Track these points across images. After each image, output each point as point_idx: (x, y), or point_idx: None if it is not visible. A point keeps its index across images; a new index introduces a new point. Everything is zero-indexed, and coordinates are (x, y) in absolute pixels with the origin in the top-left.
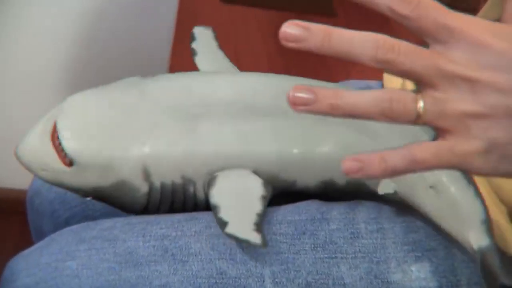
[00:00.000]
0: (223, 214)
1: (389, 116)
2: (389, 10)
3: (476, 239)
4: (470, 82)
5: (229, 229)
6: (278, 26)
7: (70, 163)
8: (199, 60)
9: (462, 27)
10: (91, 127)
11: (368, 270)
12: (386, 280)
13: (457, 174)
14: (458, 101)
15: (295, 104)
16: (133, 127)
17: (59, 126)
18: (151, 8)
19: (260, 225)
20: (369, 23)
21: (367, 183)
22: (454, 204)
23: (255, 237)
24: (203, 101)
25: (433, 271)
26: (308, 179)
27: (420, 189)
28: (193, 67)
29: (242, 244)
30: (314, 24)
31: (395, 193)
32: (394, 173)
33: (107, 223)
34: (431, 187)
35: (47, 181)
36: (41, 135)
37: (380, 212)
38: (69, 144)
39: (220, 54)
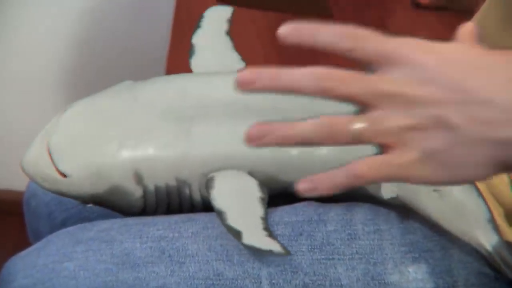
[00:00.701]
0: (232, 222)
1: (332, 139)
2: (336, 48)
3: (487, 238)
4: (403, 98)
5: (246, 240)
6: (274, 27)
7: (64, 175)
8: (194, 61)
9: (397, 50)
10: (79, 140)
11: (365, 271)
12: (383, 281)
13: None
14: (394, 117)
15: (250, 140)
16: (122, 133)
17: (49, 145)
18: (149, 9)
19: (269, 229)
20: (364, 23)
21: (364, 186)
22: (458, 205)
23: (276, 246)
24: (199, 102)
25: (430, 272)
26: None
27: (423, 193)
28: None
29: (263, 254)
30: (263, 69)
31: (397, 198)
32: (341, 189)
33: (104, 224)
34: (434, 190)
35: (49, 191)
36: (40, 148)
37: (377, 213)
38: (58, 162)
39: (223, 44)
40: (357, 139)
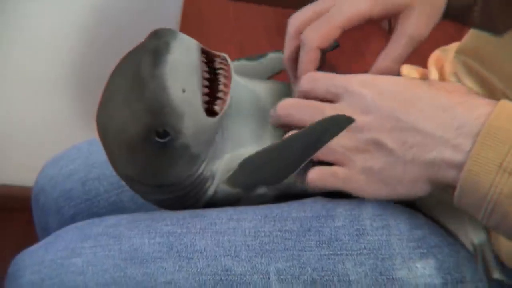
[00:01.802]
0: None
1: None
2: (299, 92)
3: (475, 234)
4: None
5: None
6: (283, 23)
7: (214, 112)
8: None
9: (343, 84)
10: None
11: (373, 267)
12: (391, 276)
13: None
14: (340, 139)
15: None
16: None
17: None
18: (156, 5)
19: None
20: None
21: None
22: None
23: None
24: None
25: (438, 267)
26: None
27: None
28: None
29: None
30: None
31: None
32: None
33: (112, 219)
34: None
35: (179, 106)
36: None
37: (385, 209)
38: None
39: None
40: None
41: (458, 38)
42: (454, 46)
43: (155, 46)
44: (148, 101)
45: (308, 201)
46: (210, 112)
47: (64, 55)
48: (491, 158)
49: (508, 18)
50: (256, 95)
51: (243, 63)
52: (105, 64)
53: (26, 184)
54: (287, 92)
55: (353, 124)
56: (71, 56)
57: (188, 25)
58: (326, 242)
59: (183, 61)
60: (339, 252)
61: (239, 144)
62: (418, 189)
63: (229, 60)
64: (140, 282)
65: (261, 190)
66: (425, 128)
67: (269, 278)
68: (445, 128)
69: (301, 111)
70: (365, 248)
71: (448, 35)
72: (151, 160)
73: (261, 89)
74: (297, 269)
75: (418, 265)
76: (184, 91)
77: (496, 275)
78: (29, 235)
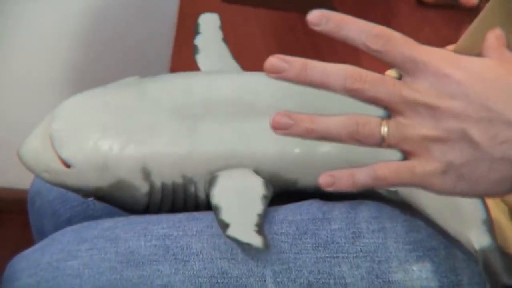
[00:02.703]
0: (225, 216)
1: (357, 138)
2: (363, 45)
3: (477, 239)
4: (430, 109)
5: (231, 232)
6: (279, 26)
7: (68, 165)
8: (200, 58)
9: (425, 60)
10: (84, 128)
11: (370, 270)
12: (387, 279)
13: None
14: (419, 126)
15: (276, 128)
16: (130, 127)
17: (51, 129)
18: (152, 8)
19: (262, 226)
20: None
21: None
22: (455, 204)
23: (256, 240)
24: (204, 101)
25: (435, 270)
26: (309, 178)
27: (421, 190)
28: (194, 67)
29: (244, 247)
30: (294, 58)
31: (396, 193)
32: (360, 187)
33: (108, 222)
34: None
35: (49, 183)
36: (42, 137)
37: (382, 211)
38: (62, 146)
39: (223, 50)
40: (380, 143)
41: (454, 40)
42: (450, 48)
43: None
44: None
45: (304, 204)
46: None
47: (61, 57)
48: None
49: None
50: (244, 89)
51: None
52: (102, 66)
53: (22, 187)
54: (286, 85)
55: (435, 111)
56: (68, 58)
57: (185, 28)
58: (323, 245)
59: None
60: (335, 255)
61: (214, 144)
62: (500, 189)
63: None
64: (137, 285)
65: None
66: None
67: (265, 281)
68: None
69: (375, 86)
70: (361, 251)
71: (443, 37)
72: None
73: (258, 81)
74: (293, 272)
75: (414, 268)
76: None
77: (506, 279)
78: (25, 238)
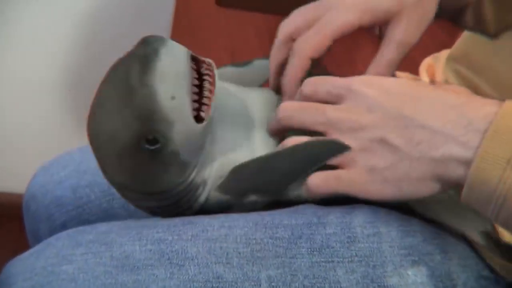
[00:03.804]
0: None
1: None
2: (301, 97)
3: (481, 229)
4: (350, 123)
5: None
6: (274, 30)
7: (202, 118)
8: None
9: (345, 85)
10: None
11: (365, 274)
12: (382, 284)
13: None
14: (343, 140)
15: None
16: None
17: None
18: (148, 11)
19: None
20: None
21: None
22: (455, 198)
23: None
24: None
25: (430, 275)
26: (300, 189)
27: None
28: None
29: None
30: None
31: None
32: (307, 196)
33: (103, 227)
34: None
35: (169, 114)
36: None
37: (377, 216)
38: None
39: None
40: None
41: (449, 45)
42: (445, 53)
43: (144, 54)
44: (138, 108)
45: (299, 208)
46: (199, 118)
47: (55, 61)
48: (499, 154)
49: (500, 22)
50: (244, 102)
51: (230, 69)
52: (97, 69)
53: (17, 191)
54: (275, 99)
55: (355, 124)
56: (63, 62)
57: (180, 31)
58: (318, 250)
59: (172, 68)
60: (330, 260)
61: (229, 150)
62: (425, 188)
63: (214, 66)
64: None
65: (253, 197)
66: (433, 125)
67: (260, 285)
68: (453, 125)
69: (302, 112)
70: (356, 255)
71: (439, 42)
72: (141, 167)
73: (250, 96)
74: (288, 276)
75: (409, 273)
76: (173, 98)
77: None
78: (20, 242)
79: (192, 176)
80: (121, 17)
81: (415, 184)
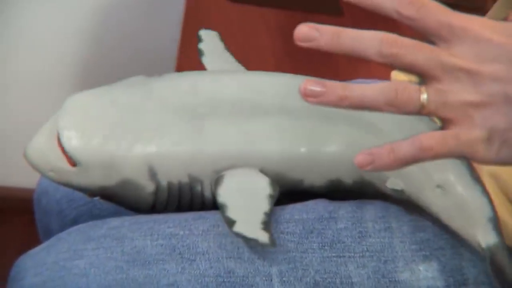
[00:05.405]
0: (231, 213)
1: (395, 105)
2: (395, 12)
3: (484, 237)
4: (470, 74)
5: (237, 228)
6: (285, 26)
7: (74, 163)
8: (206, 60)
9: (462, 25)
10: (92, 125)
11: (376, 269)
12: (393, 279)
13: (464, 172)
14: (460, 92)
15: (306, 95)
16: (137, 126)
17: (59, 126)
18: (158, 8)
19: (268, 224)
20: (376, 23)
21: (374, 182)
22: (461, 202)
23: (263, 236)
24: (210, 100)
25: (441, 270)
26: (315, 178)
27: (427, 189)
28: (200, 67)
29: (250, 243)
30: (324, 25)
31: (402, 192)
32: (403, 162)
33: (115, 222)
34: (438, 186)
35: (55, 181)
36: (48, 136)
37: (388, 211)
38: (69, 143)
39: (227, 54)
40: (421, 110)
41: None
42: None
43: None
44: None
45: (310, 203)
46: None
47: (65, 57)
48: None
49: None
50: (249, 89)
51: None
52: (108, 67)
53: (29, 186)
54: (292, 84)
55: (476, 76)
56: (73, 58)
57: (190, 28)
58: (329, 244)
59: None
60: (341, 254)
61: (224, 144)
62: None
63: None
64: (143, 284)
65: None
66: None
67: (271, 280)
68: None
69: (413, 50)
70: (367, 250)
71: None
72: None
73: (256, 81)
74: (300, 271)
75: (420, 268)
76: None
77: None
78: (31, 237)
79: (152, 187)
80: (131, 14)
81: None
